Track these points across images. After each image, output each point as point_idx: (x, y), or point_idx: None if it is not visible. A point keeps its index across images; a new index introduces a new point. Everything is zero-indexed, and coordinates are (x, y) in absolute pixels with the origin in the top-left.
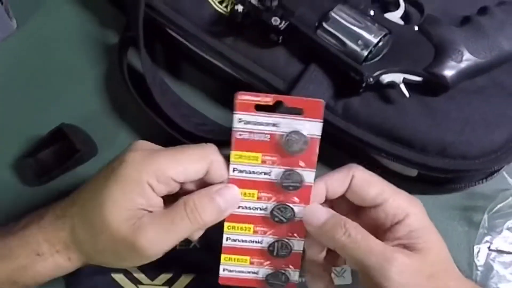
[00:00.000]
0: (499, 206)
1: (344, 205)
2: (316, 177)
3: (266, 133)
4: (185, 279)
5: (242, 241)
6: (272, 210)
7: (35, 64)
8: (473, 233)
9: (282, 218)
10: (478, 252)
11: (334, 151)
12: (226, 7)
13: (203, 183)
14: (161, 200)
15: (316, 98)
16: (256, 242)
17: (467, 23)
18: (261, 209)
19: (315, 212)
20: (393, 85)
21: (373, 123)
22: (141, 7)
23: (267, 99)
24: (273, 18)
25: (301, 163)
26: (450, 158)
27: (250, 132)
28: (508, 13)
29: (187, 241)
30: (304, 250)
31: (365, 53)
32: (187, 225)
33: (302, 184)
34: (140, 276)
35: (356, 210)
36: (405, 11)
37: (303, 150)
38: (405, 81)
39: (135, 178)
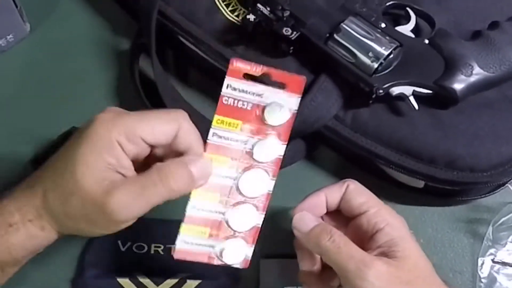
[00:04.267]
0: (504, 219)
1: (333, 220)
2: (316, 187)
3: (250, 102)
4: (190, 285)
5: (206, 210)
6: (239, 179)
7: (47, 68)
8: (477, 245)
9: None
10: (482, 264)
11: (342, 161)
12: (237, 16)
13: (172, 152)
14: (131, 163)
15: (300, 75)
16: (218, 212)
17: (478, 37)
18: (230, 178)
19: (304, 219)
20: (402, 97)
21: (382, 135)
22: (153, 15)
23: (256, 69)
24: (285, 29)
25: (276, 135)
26: (459, 170)
27: (236, 99)
28: None
29: None
30: (259, 228)
31: (376, 65)
32: (159, 191)
33: (274, 156)
34: (146, 281)
35: (344, 225)
36: (416, 25)
37: (281, 123)
38: (415, 94)
39: (104, 136)
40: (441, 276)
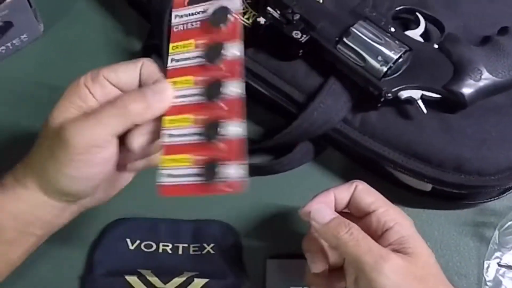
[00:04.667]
0: (510, 223)
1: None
2: (324, 189)
3: (197, 21)
4: (197, 284)
5: (183, 135)
6: (207, 91)
7: (59, 67)
8: (483, 249)
9: (216, 96)
10: (488, 267)
11: (350, 163)
12: (248, 19)
13: None
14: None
15: None
16: (195, 134)
17: (487, 42)
18: (197, 95)
19: (322, 212)
20: (411, 101)
21: (390, 137)
22: (165, 16)
23: None
24: (294, 32)
25: (227, 37)
26: (466, 174)
27: (184, 24)
28: None
29: (199, 246)
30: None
31: (385, 69)
32: (110, 112)
33: (228, 56)
34: (154, 279)
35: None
36: (425, 29)
37: (226, 23)
38: (423, 98)
39: (73, 84)
40: (447, 279)
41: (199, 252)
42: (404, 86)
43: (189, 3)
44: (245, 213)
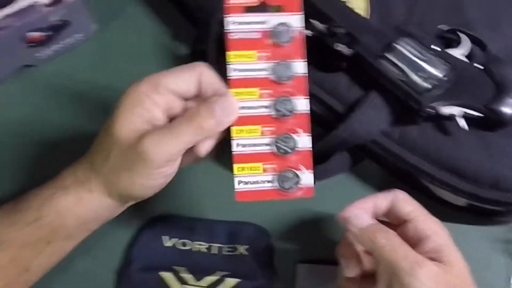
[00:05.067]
0: None
1: None
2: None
3: (257, 31)
4: (229, 283)
5: (252, 145)
6: (275, 105)
7: (110, 68)
8: None
9: (285, 111)
10: None
11: (386, 175)
12: None
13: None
14: (163, 115)
15: None
16: (265, 144)
17: None
18: (264, 107)
19: (360, 217)
20: (451, 117)
21: (428, 152)
22: (213, 23)
23: (253, 0)
24: (339, 45)
25: (292, 54)
26: (503, 191)
27: (242, 32)
28: None
29: (233, 247)
30: (311, 151)
31: (426, 85)
32: (185, 129)
33: (295, 74)
34: (187, 276)
35: None
36: (469, 49)
37: (290, 40)
38: (464, 115)
39: (134, 94)
40: None
41: (232, 253)
42: (446, 102)
43: (247, 11)
44: (279, 217)
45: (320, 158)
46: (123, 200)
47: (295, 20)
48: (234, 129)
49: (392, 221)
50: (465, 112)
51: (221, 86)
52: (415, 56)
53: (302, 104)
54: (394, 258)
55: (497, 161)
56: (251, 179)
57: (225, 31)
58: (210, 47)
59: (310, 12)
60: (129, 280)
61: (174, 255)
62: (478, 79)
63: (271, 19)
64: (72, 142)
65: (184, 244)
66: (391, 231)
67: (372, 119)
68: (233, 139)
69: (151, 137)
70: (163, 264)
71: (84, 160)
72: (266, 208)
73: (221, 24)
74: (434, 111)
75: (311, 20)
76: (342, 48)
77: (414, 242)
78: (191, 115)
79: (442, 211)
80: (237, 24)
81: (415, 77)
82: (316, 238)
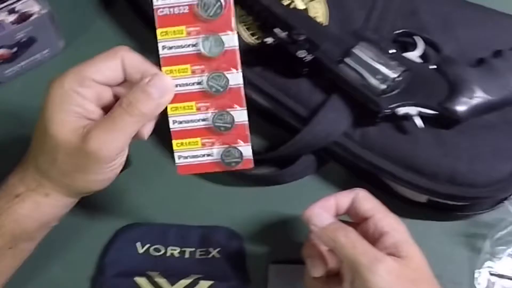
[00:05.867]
0: (500, 233)
1: None
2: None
3: (184, 5)
4: (203, 286)
5: (188, 121)
6: (208, 81)
7: None
8: (475, 258)
9: (218, 87)
10: (479, 276)
11: (350, 176)
12: (257, 39)
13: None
14: (97, 108)
15: None
16: (201, 120)
17: (481, 64)
18: (197, 84)
19: (321, 216)
20: (408, 117)
21: (387, 151)
22: None
23: None
24: (300, 51)
25: (221, 28)
26: (459, 185)
27: (170, 7)
28: None
29: (205, 250)
30: (247, 125)
31: (383, 86)
32: (127, 120)
33: (224, 48)
34: (161, 281)
35: None
36: (423, 51)
37: (219, 14)
38: (420, 114)
39: (61, 92)
40: (441, 286)
41: (205, 256)
42: (401, 103)
43: None
44: (250, 220)
45: (286, 161)
46: (80, 195)
47: None
48: (169, 107)
49: (354, 218)
50: (421, 111)
51: (148, 67)
52: (372, 60)
53: (235, 78)
54: (354, 255)
55: (453, 157)
56: (190, 153)
57: (154, 7)
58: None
59: (273, 21)
60: (103, 286)
61: (147, 260)
62: (432, 79)
63: None
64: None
65: (157, 250)
66: (350, 228)
67: (333, 121)
68: (169, 117)
69: (96, 135)
70: (137, 269)
71: (28, 164)
72: (237, 212)
73: None
74: (391, 112)
75: (274, 29)
76: (303, 54)
77: (374, 239)
78: (129, 103)
79: (404, 208)
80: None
81: (372, 80)
82: (286, 239)
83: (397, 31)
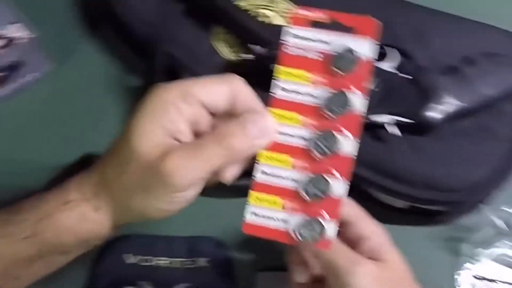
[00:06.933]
0: (479, 236)
1: None
2: None
3: (317, 51)
4: None
5: (278, 176)
6: (316, 139)
7: (66, 104)
8: (455, 262)
9: (325, 149)
10: (459, 278)
11: None
12: (237, 55)
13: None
14: (188, 129)
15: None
16: (292, 180)
17: (453, 71)
18: (303, 139)
19: None
20: (383, 125)
21: (365, 158)
22: (159, 58)
23: (322, 15)
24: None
25: (351, 86)
26: (436, 190)
27: (303, 49)
28: (490, 62)
29: (194, 260)
30: (343, 201)
31: None
32: (214, 150)
33: (350, 110)
34: None
35: None
36: (396, 61)
37: (352, 70)
38: (395, 123)
39: (159, 100)
40: None
41: (194, 266)
42: (377, 111)
43: (313, 26)
44: (237, 230)
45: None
46: (129, 220)
47: (366, 48)
48: (263, 154)
49: None
50: (397, 120)
51: (257, 105)
52: None
53: (348, 145)
54: (333, 259)
55: (430, 163)
56: (265, 213)
57: (281, 41)
58: (158, 79)
59: (250, 37)
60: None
61: (137, 270)
62: (405, 88)
63: (337, 41)
64: (28, 178)
65: (145, 261)
66: None
67: None
68: (258, 164)
69: (176, 157)
70: (126, 279)
71: (94, 172)
72: (224, 222)
73: (168, 55)
74: (368, 121)
75: (249, 45)
76: None
77: (354, 243)
78: (221, 132)
79: (384, 214)
80: (296, 38)
81: None
82: (273, 246)
83: None
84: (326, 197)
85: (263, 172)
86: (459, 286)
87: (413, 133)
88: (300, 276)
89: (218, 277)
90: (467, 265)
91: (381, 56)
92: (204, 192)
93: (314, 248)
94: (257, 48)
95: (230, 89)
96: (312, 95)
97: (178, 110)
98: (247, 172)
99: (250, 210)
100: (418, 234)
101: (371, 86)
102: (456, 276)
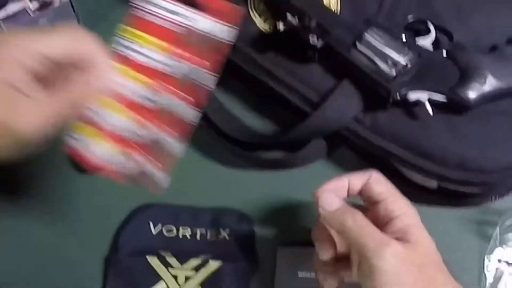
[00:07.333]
0: (510, 220)
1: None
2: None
3: (173, 22)
4: (212, 265)
5: (118, 124)
6: (152, 96)
7: None
8: (485, 245)
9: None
10: (489, 263)
11: (361, 161)
12: (269, 26)
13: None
14: (30, 77)
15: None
16: (132, 132)
17: (494, 51)
18: (146, 98)
19: (330, 200)
20: (418, 103)
21: (398, 136)
22: None
23: None
24: (311, 37)
25: (199, 62)
26: (469, 170)
27: (154, 15)
28: None
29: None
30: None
31: (394, 72)
32: (58, 102)
33: (195, 81)
34: (172, 260)
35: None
36: (435, 38)
37: (207, 47)
38: (430, 100)
39: None
40: (450, 272)
41: (215, 238)
42: (412, 88)
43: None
44: (260, 204)
45: (295, 145)
46: None
47: (225, 33)
48: (101, 101)
49: (366, 201)
50: (432, 98)
51: (98, 56)
52: (383, 45)
53: (188, 112)
54: (360, 238)
55: (463, 142)
56: (96, 149)
57: (132, 3)
58: None
59: (285, 7)
60: (117, 265)
61: (160, 241)
62: (443, 65)
63: (196, 19)
64: None
65: (169, 230)
66: (358, 212)
67: (344, 106)
68: (97, 108)
69: (21, 108)
70: (149, 249)
71: None
72: (247, 195)
73: None
74: (402, 97)
75: (287, 15)
76: (314, 40)
77: (384, 222)
78: (63, 85)
79: (415, 194)
80: (156, 7)
81: (383, 66)
82: (294, 223)
83: (410, 18)
84: (162, 150)
85: (95, 113)
86: (488, 271)
87: (449, 112)
88: (324, 254)
89: (239, 249)
90: (497, 249)
91: (423, 33)
92: (229, 163)
93: (343, 226)
94: (291, 18)
95: (70, 41)
96: (162, 63)
97: (17, 62)
98: (273, 145)
99: (74, 136)
100: (448, 216)
101: (405, 61)
102: (485, 260)
